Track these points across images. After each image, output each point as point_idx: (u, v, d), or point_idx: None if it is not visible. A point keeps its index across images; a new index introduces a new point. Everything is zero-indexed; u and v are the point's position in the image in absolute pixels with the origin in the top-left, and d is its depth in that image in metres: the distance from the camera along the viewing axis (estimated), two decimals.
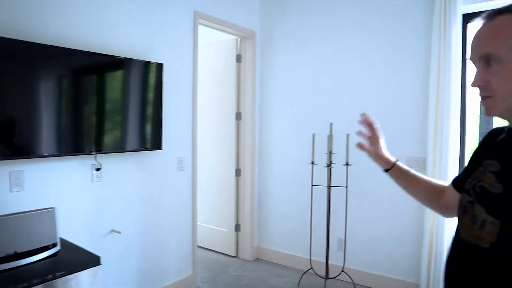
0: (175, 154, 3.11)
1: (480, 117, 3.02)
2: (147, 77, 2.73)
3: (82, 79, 2.34)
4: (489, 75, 0.84)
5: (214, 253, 4.22)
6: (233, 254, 4.11)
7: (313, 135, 3.24)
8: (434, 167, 2.97)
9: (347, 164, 3.19)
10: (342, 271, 3.31)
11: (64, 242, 1.95)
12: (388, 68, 3.25)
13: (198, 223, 4.27)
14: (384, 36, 3.25)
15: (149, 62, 2.71)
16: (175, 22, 3.06)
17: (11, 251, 1.66)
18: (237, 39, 3.94)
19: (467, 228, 0.88)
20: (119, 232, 2.65)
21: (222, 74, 4.07)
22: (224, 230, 4.16)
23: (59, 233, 1.85)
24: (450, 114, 2.87)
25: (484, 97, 0.87)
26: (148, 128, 2.77)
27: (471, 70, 0.90)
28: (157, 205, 2.98)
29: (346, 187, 3.25)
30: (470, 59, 0.89)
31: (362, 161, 3.33)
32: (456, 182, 1.11)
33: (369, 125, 1.35)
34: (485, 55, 0.84)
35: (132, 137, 2.67)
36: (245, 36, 3.89)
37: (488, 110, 0.88)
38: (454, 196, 1.07)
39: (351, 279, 3.29)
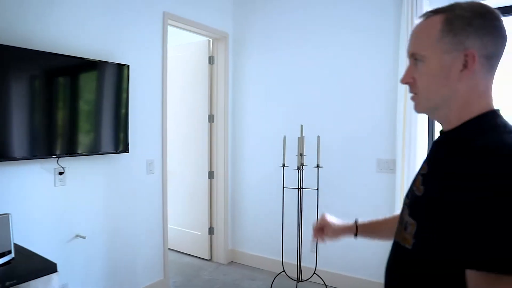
0: (144, 156, 3.06)
1: None
2: (113, 78, 2.67)
3: (42, 81, 2.28)
4: (416, 73, 0.87)
5: (188, 256, 4.17)
6: (207, 257, 4.07)
7: (284, 137, 3.24)
8: (403, 169, 2.99)
9: (318, 166, 3.19)
10: (314, 273, 3.31)
11: (20, 249, 1.89)
12: (358, 70, 3.26)
13: (172, 226, 4.23)
14: (354, 39, 3.27)
15: (114, 64, 2.66)
16: (143, 23, 3.01)
17: None
18: (209, 40, 3.91)
19: (398, 230, 0.90)
20: (83, 237, 2.58)
21: (195, 75, 4.03)
22: (198, 233, 4.12)
23: (13, 240, 1.78)
24: (418, 116, 2.90)
25: (412, 94, 0.90)
26: (114, 131, 2.71)
27: None
28: (125, 209, 2.93)
29: (317, 189, 3.25)
30: (407, 55, 0.91)
31: (333, 163, 3.38)
32: None
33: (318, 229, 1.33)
34: (413, 53, 0.87)
35: (96, 140, 2.62)
36: (217, 38, 3.86)
37: (415, 107, 0.91)
38: None
39: (323, 281, 3.29)
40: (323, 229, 1.31)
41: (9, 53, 2.07)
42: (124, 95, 2.74)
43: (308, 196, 3.34)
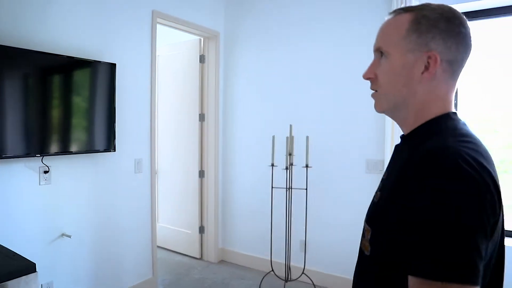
0: (132, 155, 3.05)
1: None
2: (99, 77, 2.67)
3: (25, 80, 2.27)
4: (378, 69, 0.86)
5: (179, 255, 4.17)
6: (198, 256, 4.07)
7: (273, 137, 3.23)
8: None
9: (306, 166, 3.18)
10: (303, 273, 3.31)
11: None
12: (348, 70, 3.25)
13: (163, 225, 4.23)
14: (344, 38, 3.27)
15: (100, 62, 2.65)
16: (131, 22, 3.00)
17: None
18: (200, 39, 3.90)
19: (361, 236, 0.90)
20: (69, 236, 2.58)
21: (185, 74, 4.02)
22: (189, 232, 4.12)
23: None
24: None
25: (372, 91, 0.89)
26: (101, 130, 2.71)
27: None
28: (112, 208, 2.92)
29: (306, 189, 3.24)
30: (373, 49, 0.89)
31: (322, 163, 3.37)
32: None
33: None
34: (378, 47, 0.86)
35: (82, 139, 2.61)
36: (208, 36, 3.85)
37: (375, 105, 0.90)
38: None
39: (311, 280, 3.29)
40: None
41: None
42: (111, 94, 2.73)
43: (297, 196, 3.34)
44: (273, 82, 3.68)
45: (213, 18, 3.82)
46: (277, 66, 3.65)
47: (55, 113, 2.43)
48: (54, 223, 2.53)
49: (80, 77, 2.59)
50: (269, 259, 3.45)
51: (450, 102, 0.83)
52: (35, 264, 1.70)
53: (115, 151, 2.79)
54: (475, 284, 0.62)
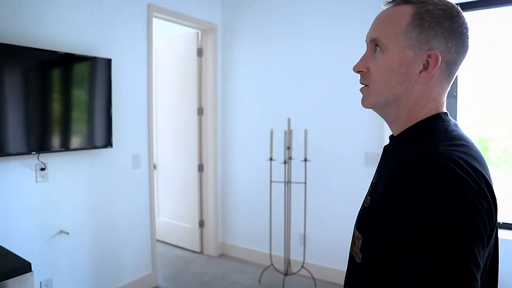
0: (129, 151, 3.04)
1: None
2: (95, 73, 2.64)
3: (18, 77, 2.24)
4: (372, 63, 0.80)
5: (179, 249, 4.18)
6: (198, 250, 4.07)
7: (271, 131, 3.21)
8: None
9: (305, 160, 3.17)
10: (303, 266, 3.31)
11: None
12: (346, 63, 3.21)
13: (163, 219, 4.24)
14: (343, 32, 3.22)
15: (95, 58, 2.62)
16: (127, 15, 2.96)
17: None
18: (197, 32, 3.86)
19: (351, 242, 0.86)
20: (67, 233, 2.58)
21: (183, 68, 3.99)
22: (189, 226, 4.12)
23: None
24: None
25: (362, 85, 0.84)
26: (97, 126, 2.69)
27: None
28: (110, 204, 2.92)
29: (304, 183, 3.23)
30: (366, 39, 0.83)
31: (321, 157, 3.35)
32: None
33: None
34: (374, 39, 0.79)
35: (79, 136, 2.60)
36: (206, 30, 3.81)
37: (362, 100, 0.85)
38: None
39: (310, 274, 3.29)
40: None
41: None
42: (107, 90, 2.71)
43: (296, 190, 3.33)
44: (271, 76, 3.65)
45: (210, 11, 3.78)
46: (276, 59, 3.61)
47: (51, 110, 2.42)
48: (52, 221, 2.53)
49: (76, 73, 2.57)
50: (268, 252, 3.46)
51: (442, 103, 0.80)
52: (30, 263, 1.69)
53: (112, 147, 2.77)
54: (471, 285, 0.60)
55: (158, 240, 3.78)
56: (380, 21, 0.80)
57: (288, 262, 3.35)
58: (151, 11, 3.12)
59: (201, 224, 4.05)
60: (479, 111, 3.09)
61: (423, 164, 0.66)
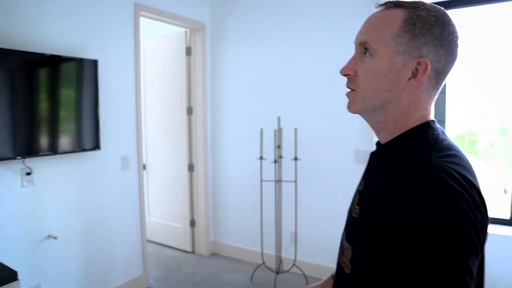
0: (118, 153, 3.01)
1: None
2: (81, 74, 2.60)
3: (7, 80, 2.20)
4: (360, 66, 0.79)
5: (170, 249, 4.16)
6: (189, 250, 4.06)
7: (261, 130, 3.20)
8: None
9: (295, 159, 3.16)
10: (294, 264, 3.31)
11: None
12: (335, 62, 3.20)
13: (154, 219, 4.22)
14: (333, 31, 3.21)
15: (82, 59, 2.58)
16: (113, 15, 2.92)
17: None
18: (186, 31, 3.82)
19: (339, 252, 0.85)
20: (55, 238, 2.55)
21: (172, 67, 3.96)
22: (179, 225, 4.10)
23: None
24: None
25: (349, 89, 0.82)
26: (85, 129, 2.65)
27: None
28: (99, 207, 2.89)
29: (295, 181, 3.23)
30: (354, 42, 0.82)
31: (311, 155, 3.35)
32: None
33: None
34: (364, 42, 0.77)
35: (66, 139, 2.56)
36: (194, 28, 3.77)
37: (348, 104, 0.83)
38: None
39: (302, 272, 3.30)
40: None
41: None
42: (94, 91, 2.67)
43: (287, 189, 3.33)
44: (261, 74, 3.63)
45: (198, 9, 3.74)
46: (266, 57, 3.59)
47: (36, 114, 2.38)
48: (39, 225, 2.49)
49: (63, 75, 2.53)
50: (260, 251, 3.46)
51: (430, 110, 0.79)
52: (16, 272, 1.67)
53: (100, 149, 2.74)
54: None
55: (149, 241, 3.77)
56: (371, 25, 0.78)
57: (279, 260, 3.35)
58: (138, 10, 3.08)
59: (192, 223, 4.04)
60: (467, 104, 3.12)
61: (417, 171, 0.66)
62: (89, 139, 2.68)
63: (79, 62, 2.58)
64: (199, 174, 3.94)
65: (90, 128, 2.68)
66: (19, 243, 2.38)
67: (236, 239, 3.93)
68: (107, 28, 2.88)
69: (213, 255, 4.02)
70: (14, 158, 2.25)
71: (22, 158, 2.31)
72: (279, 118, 3.16)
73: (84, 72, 2.62)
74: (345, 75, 0.81)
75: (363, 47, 0.78)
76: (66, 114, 2.55)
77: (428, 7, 0.74)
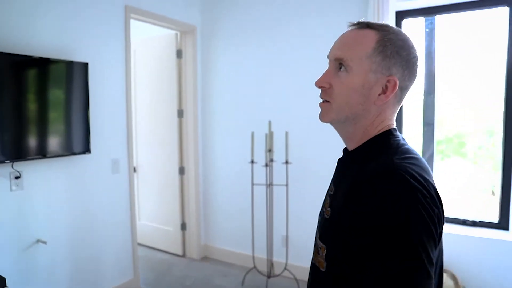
0: (108, 156, 2.98)
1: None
2: (71, 77, 2.58)
3: None
4: (334, 80, 0.86)
5: (161, 252, 4.13)
6: (180, 253, 4.04)
7: (252, 133, 3.20)
8: None
9: (286, 163, 3.17)
10: (285, 268, 3.32)
11: None
12: (326, 66, 3.22)
13: (144, 222, 4.19)
14: (323, 34, 3.23)
15: (71, 62, 2.56)
16: (104, 18, 2.90)
17: None
18: (176, 33, 3.81)
19: (313, 252, 0.91)
20: (44, 242, 2.51)
21: (162, 70, 3.94)
22: (170, 229, 4.08)
23: None
24: None
25: (323, 100, 0.89)
26: (74, 132, 2.63)
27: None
28: (89, 211, 2.86)
29: (286, 185, 3.23)
30: (328, 56, 0.89)
31: (302, 159, 3.36)
32: None
33: None
34: (339, 59, 0.85)
35: (56, 142, 2.53)
36: (185, 31, 3.76)
37: (321, 114, 0.90)
38: None
39: (293, 275, 3.30)
40: None
41: None
42: (84, 94, 2.65)
43: (278, 192, 3.33)
44: (252, 77, 3.63)
45: (189, 12, 3.73)
46: (256, 61, 3.59)
47: (25, 117, 2.35)
48: (27, 230, 2.46)
49: (52, 78, 2.50)
50: (252, 255, 3.45)
51: (393, 121, 0.89)
52: (5, 278, 1.65)
53: (90, 153, 2.72)
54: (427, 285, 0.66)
55: (139, 244, 3.74)
56: (346, 42, 0.86)
57: (271, 264, 3.35)
58: (128, 12, 3.06)
59: (183, 227, 4.02)
60: (455, 107, 3.15)
61: (381, 176, 0.73)
62: (79, 143, 2.65)
63: (69, 65, 2.56)
64: (190, 177, 3.92)
65: (80, 132, 2.65)
66: (7, 248, 2.35)
67: (227, 243, 3.92)
68: (97, 31, 2.85)
69: (204, 258, 4.01)
70: (3, 162, 2.22)
71: (11, 161, 2.28)
72: (270, 122, 3.16)
73: (74, 75, 2.59)
74: (320, 87, 0.88)
75: (338, 63, 0.85)
76: (55, 118, 2.52)
77: (396, 31, 0.84)
